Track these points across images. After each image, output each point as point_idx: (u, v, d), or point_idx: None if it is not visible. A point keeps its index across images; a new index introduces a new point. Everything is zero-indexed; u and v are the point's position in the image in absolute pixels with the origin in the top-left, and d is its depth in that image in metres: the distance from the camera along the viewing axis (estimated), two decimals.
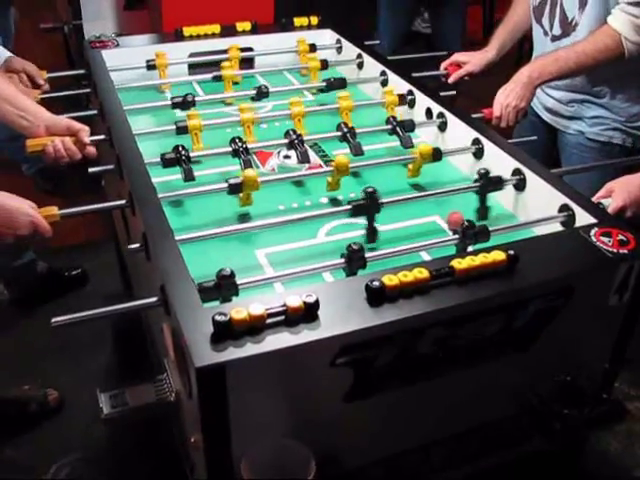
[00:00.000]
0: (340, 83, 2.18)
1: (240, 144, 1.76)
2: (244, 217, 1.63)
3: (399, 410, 1.32)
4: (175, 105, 2.01)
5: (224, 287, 1.24)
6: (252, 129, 1.91)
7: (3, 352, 2.50)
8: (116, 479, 2.15)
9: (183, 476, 1.43)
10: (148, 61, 2.25)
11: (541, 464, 1.55)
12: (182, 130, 1.84)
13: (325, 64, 2.32)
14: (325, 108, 2.07)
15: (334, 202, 1.71)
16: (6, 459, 2.24)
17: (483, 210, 1.67)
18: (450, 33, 4.14)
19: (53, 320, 1.24)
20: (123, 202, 1.54)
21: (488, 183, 1.63)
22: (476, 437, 1.45)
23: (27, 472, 2.19)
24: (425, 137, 2.00)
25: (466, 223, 1.42)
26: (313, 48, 2.41)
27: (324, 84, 2.19)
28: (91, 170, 1.69)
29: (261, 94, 2.11)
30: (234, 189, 1.57)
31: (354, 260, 1.33)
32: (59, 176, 3.45)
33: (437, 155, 1.75)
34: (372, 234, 1.53)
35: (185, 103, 2.01)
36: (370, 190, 1.51)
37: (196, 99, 2.05)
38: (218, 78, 2.21)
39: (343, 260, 1.34)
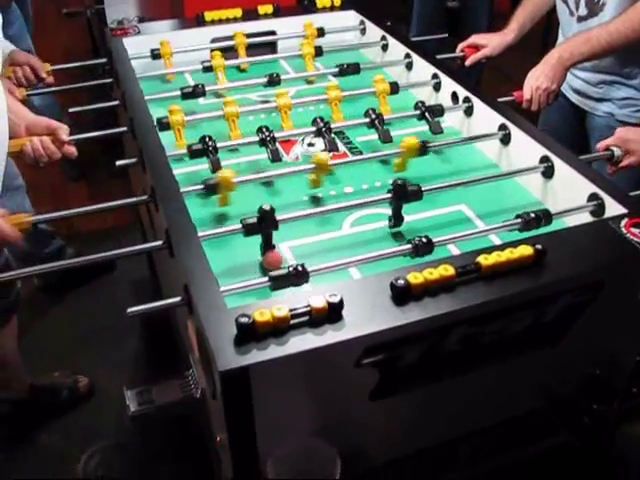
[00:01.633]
0: (353, 68, 2.14)
1: (267, 133, 1.74)
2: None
3: (425, 406, 1.31)
4: (185, 95, 1.98)
5: (294, 276, 1.26)
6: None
7: (34, 339, 2.53)
8: (146, 466, 2.17)
9: (212, 466, 1.44)
10: (153, 50, 2.22)
11: (570, 454, 1.54)
12: (164, 126, 1.79)
13: (320, 50, 2.27)
14: (310, 100, 2.01)
15: (359, 192, 1.69)
16: (40, 445, 2.28)
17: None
18: (477, 8, 4.08)
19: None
20: (145, 197, 1.53)
21: None
22: (504, 431, 1.44)
23: (60, 458, 2.23)
24: (451, 122, 1.97)
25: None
26: (321, 32, 2.38)
27: (337, 70, 2.15)
28: (118, 163, 1.68)
29: (273, 82, 2.06)
30: (210, 189, 1.54)
31: (420, 248, 1.34)
32: (86, 162, 3.46)
33: (423, 150, 1.70)
34: (398, 219, 1.52)
35: (195, 93, 1.99)
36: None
37: (212, 88, 2.05)
38: (208, 69, 2.16)
39: (410, 246, 1.35)
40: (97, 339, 2.57)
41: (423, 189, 1.52)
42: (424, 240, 1.34)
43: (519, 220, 1.42)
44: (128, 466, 2.18)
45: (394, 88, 2.00)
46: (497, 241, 1.45)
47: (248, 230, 1.40)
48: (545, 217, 1.43)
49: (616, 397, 1.38)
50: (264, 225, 1.40)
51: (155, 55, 2.23)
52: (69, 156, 1.70)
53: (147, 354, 2.55)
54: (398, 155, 1.71)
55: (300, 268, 1.26)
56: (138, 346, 2.59)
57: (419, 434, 1.34)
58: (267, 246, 1.42)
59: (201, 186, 1.55)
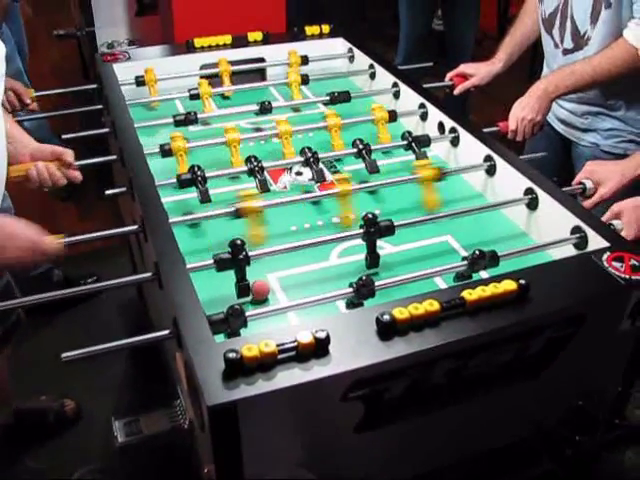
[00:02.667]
0: (344, 97, 2.16)
1: (255, 163, 1.75)
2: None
3: (410, 436, 1.32)
4: (177, 123, 2.00)
5: (232, 322, 1.25)
6: (238, 149, 1.88)
7: (20, 362, 2.52)
8: None
9: None
10: (137, 77, 2.23)
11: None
12: (167, 153, 1.82)
13: (306, 78, 2.30)
14: (312, 127, 2.03)
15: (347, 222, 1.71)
16: (26, 470, 2.27)
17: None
18: (463, 30, 4.13)
19: (63, 356, 1.25)
20: (135, 227, 1.55)
21: None
22: (488, 460, 1.45)
23: None
24: (437, 151, 1.99)
25: (477, 253, 1.42)
26: (305, 60, 2.40)
27: (328, 98, 2.17)
28: (107, 192, 1.70)
29: (264, 110, 2.09)
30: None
31: (362, 294, 1.33)
32: (73, 182, 3.47)
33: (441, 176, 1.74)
34: (373, 259, 1.52)
35: (187, 120, 2.00)
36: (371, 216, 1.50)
37: (204, 115, 2.08)
38: (195, 96, 2.17)
39: (351, 290, 1.34)
40: (84, 362, 2.55)
41: (409, 221, 1.56)
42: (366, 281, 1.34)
43: (464, 262, 1.43)
44: None
45: (392, 116, 2.04)
46: (484, 274, 1.47)
47: (220, 266, 1.41)
48: (492, 259, 1.43)
49: (598, 428, 1.40)
50: (236, 260, 1.40)
51: (139, 82, 2.23)
52: (74, 180, 1.72)
53: (135, 377, 2.54)
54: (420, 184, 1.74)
55: (237, 307, 1.26)
56: (126, 369, 2.58)
57: (404, 464, 1.36)
58: (241, 281, 1.43)
59: (230, 210, 1.59)
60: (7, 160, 1.66)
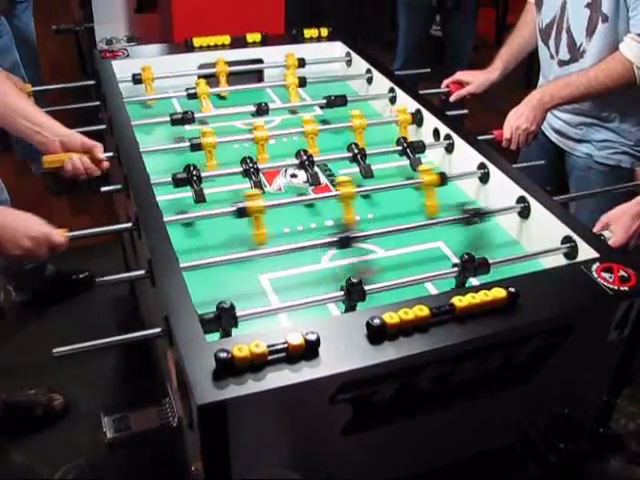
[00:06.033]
0: (341, 100, 2.18)
1: (251, 164, 1.76)
2: (250, 239, 1.64)
3: (397, 440, 1.33)
4: (174, 121, 2.01)
5: (224, 320, 1.25)
6: (265, 147, 1.90)
7: (10, 355, 2.53)
8: None
9: None
10: (134, 75, 2.23)
11: None
12: (196, 147, 1.84)
13: (303, 81, 2.30)
14: (338, 126, 2.06)
15: (340, 225, 1.72)
16: (13, 463, 2.27)
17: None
18: (461, 37, 4.14)
19: (55, 351, 1.26)
20: (129, 225, 1.55)
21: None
22: (473, 465, 1.46)
23: (33, 476, 2.22)
24: (432, 157, 2.01)
25: (466, 256, 1.43)
26: (302, 63, 2.40)
27: (324, 101, 2.19)
28: (103, 189, 1.71)
29: (261, 111, 2.11)
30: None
31: (353, 294, 1.33)
32: (68, 178, 3.48)
33: (443, 180, 1.74)
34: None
35: (184, 120, 2.01)
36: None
37: (201, 115, 2.09)
38: (193, 96, 2.18)
39: (342, 292, 1.35)
40: (74, 356, 2.55)
41: (403, 227, 1.57)
42: (354, 282, 1.33)
43: (455, 269, 1.43)
44: None
45: (415, 118, 2.07)
46: (474, 281, 1.48)
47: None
48: (482, 266, 1.44)
49: (583, 436, 1.41)
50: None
51: (136, 80, 2.23)
52: (103, 170, 1.75)
53: (125, 373, 2.55)
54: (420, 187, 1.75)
55: (227, 304, 1.26)
56: (116, 364, 2.58)
57: (390, 467, 1.36)
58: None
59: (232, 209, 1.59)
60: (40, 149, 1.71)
